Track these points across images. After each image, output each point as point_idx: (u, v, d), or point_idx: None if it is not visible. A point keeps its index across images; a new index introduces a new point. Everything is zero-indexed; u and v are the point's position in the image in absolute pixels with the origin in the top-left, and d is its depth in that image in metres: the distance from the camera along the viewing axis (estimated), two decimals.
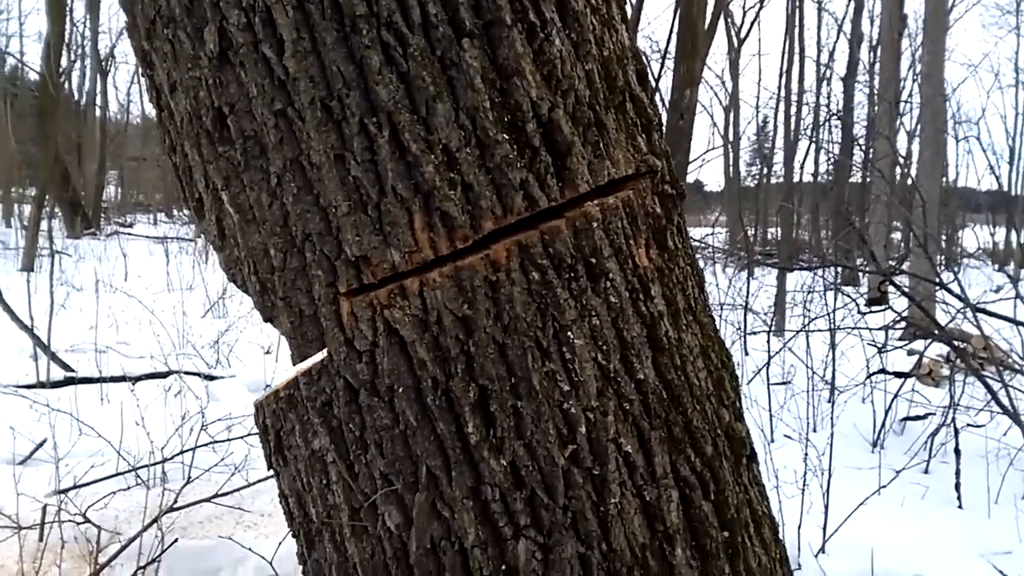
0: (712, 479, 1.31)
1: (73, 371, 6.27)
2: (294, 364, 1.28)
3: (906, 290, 5.42)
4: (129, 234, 18.35)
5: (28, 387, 5.67)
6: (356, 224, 1.17)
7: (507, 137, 1.17)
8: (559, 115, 1.20)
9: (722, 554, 1.29)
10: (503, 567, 1.21)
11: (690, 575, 1.26)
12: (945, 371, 6.08)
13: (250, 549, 2.73)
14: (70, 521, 3.32)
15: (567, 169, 1.21)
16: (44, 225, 13.79)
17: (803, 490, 3.65)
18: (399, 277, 1.19)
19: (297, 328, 1.25)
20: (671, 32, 8.71)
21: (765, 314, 8.20)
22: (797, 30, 18.34)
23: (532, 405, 1.20)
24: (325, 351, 1.24)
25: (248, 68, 1.17)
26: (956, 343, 4.73)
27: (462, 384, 1.19)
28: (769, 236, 21.34)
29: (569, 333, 1.20)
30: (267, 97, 1.17)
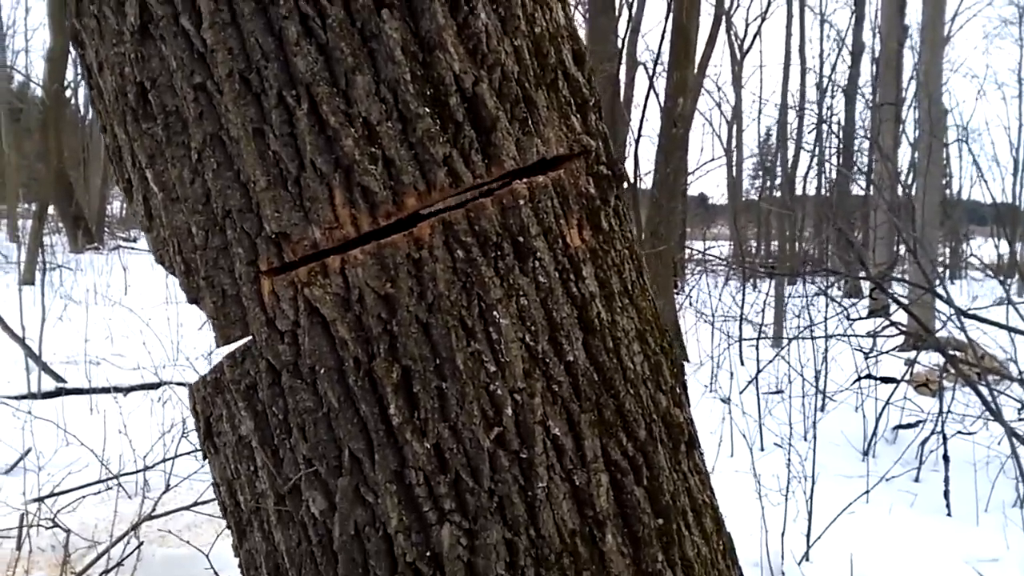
0: (646, 464, 1.28)
1: (64, 382, 6.26)
2: (218, 347, 1.25)
3: (898, 297, 5.38)
4: (131, 248, 18.39)
5: (17, 397, 5.66)
6: (275, 200, 1.15)
7: (429, 111, 1.15)
8: (483, 89, 1.18)
9: (655, 541, 1.26)
10: (428, 553, 1.18)
11: (621, 562, 1.23)
12: (944, 381, 6.01)
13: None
14: (40, 526, 3.29)
15: (492, 145, 1.18)
16: (47, 240, 13.85)
17: (787, 497, 3.60)
18: (320, 255, 1.17)
19: (220, 309, 1.23)
20: (662, 40, 8.73)
21: (764, 325, 8.15)
22: (799, 42, 18.38)
23: (456, 386, 1.17)
24: (248, 333, 1.22)
25: (168, 41, 1.16)
26: (948, 351, 4.68)
27: (385, 364, 1.16)
28: (773, 248, 21.30)
29: (495, 312, 1.18)
30: (187, 70, 1.15)
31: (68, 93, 18.74)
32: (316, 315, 1.17)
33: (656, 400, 1.34)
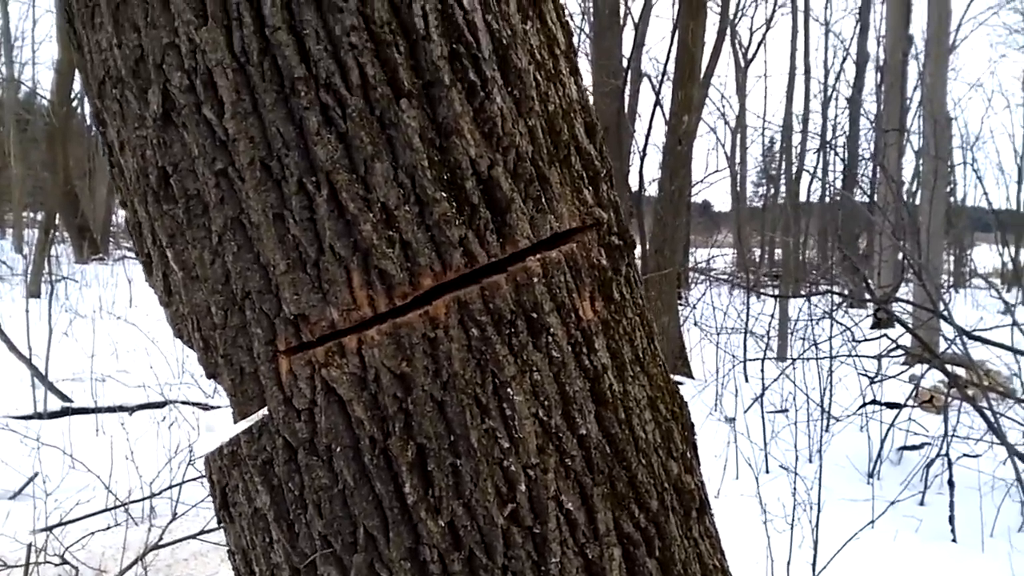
0: (657, 535, 1.30)
1: (70, 401, 6.29)
2: (235, 422, 1.28)
3: (903, 318, 5.39)
4: (137, 259, 18.44)
5: (24, 418, 5.69)
6: (295, 282, 1.17)
7: (446, 195, 1.17)
8: (498, 172, 1.20)
9: None
10: None
11: None
12: (948, 400, 6.02)
13: None
14: (49, 562, 3.31)
15: (507, 225, 1.21)
16: (52, 250, 13.89)
17: (792, 525, 3.62)
18: (337, 335, 1.19)
19: (238, 386, 1.25)
20: (668, 57, 8.76)
21: (768, 339, 8.16)
22: (803, 52, 18.40)
23: (471, 463, 1.19)
24: (265, 409, 1.24)
25: (190, 129, 1.18)
26: (950, 371, 4.69)
27: (400, 443, 1.19)
28: (776, 256, 21.29)
29: (509, 389, 1.20)
30: (208, 157, 1.18)
31: (75, 105, 18.81)
32: (333, 394, 1.19)
33: (668, 468, 1.36)
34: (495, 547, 1.20)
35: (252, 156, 1.15)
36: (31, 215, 21.65)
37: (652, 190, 10.85)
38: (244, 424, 1.26)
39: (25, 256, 15.96)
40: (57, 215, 15.59)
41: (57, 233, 17.15)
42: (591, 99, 1.51)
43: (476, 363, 1.19)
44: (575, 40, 1.54)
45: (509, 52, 1.22)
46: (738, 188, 19.10)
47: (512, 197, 1.21)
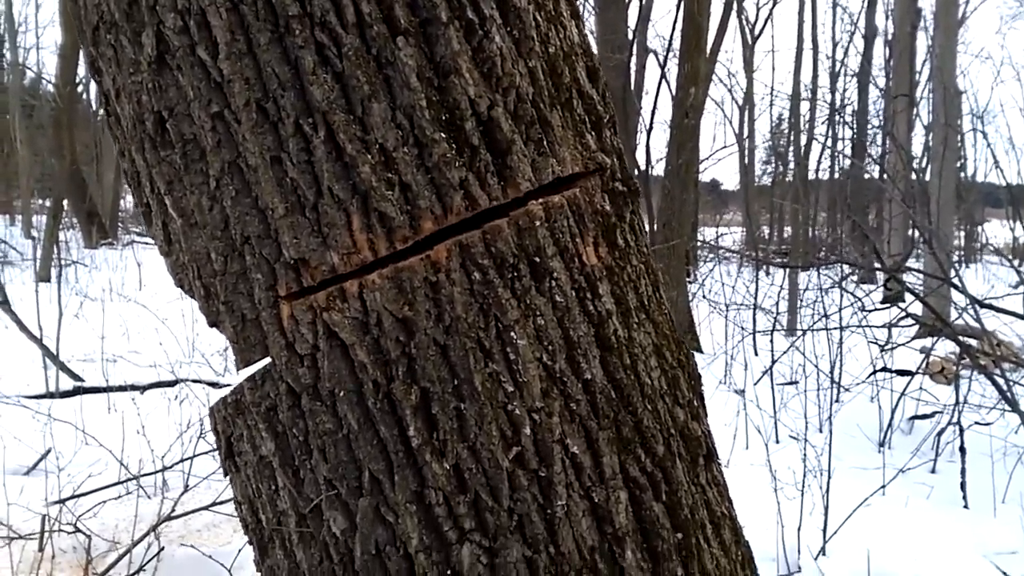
0: (664, 479, 1.29)
1: (81, 380, 6.32)
2: (238, 369, 1.27)
3: (914, 287, 5.35)
4: (146, 243, 18.51)
5: (36, 397, 5.72)
6: (294, 226, 1.16)
7: (445, 136, 1.15)
8: (498, 113, 1.18)
9: (675, 556, 1.27)
10: (449, 572, 1.20)
11: None
12: (960, 371, 5.99)
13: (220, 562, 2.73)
14: (62, 531, 3.34)
15: (508, 167, 1.19)
16: (61, 235, 13.94)
17: (802, 491, 3.61)
18: (338, 279, 1.18)
19: (240, 333, 1.25)
20: (673, 28, 8.68)
21: (777, 313, 8.13)
22: (811, 26, 18.20)
23: (475, 407, 1.18)
24: (268, 356, 1.23)
25: (185, 71, 1.17)
26: (963, 340, 4.66)
27: (403, 387, 1.18)
28: (785, 234, 21.18)
29: (512, 333, 1.19)
30: (204, 100, 1.16)
31: (80, 89, 18.81)
32: (335, 339, 1.18)
33: (674, 415, 1.35)
34: (501, 490, 1.19)
35: (248, 97, 1.14)
36: (40, 201, 21.72)
37: (659, 169, 10.80)
38: (247, 372, 1.25)
39: (35, 241, 16.03)
40: (65, 200, 15.63)
41: (66, 219, 17.21)
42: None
43: (479, 307, 1.18)
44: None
45: None
46: (746, 163, 18.94)
47: (513, 139, 1.19)
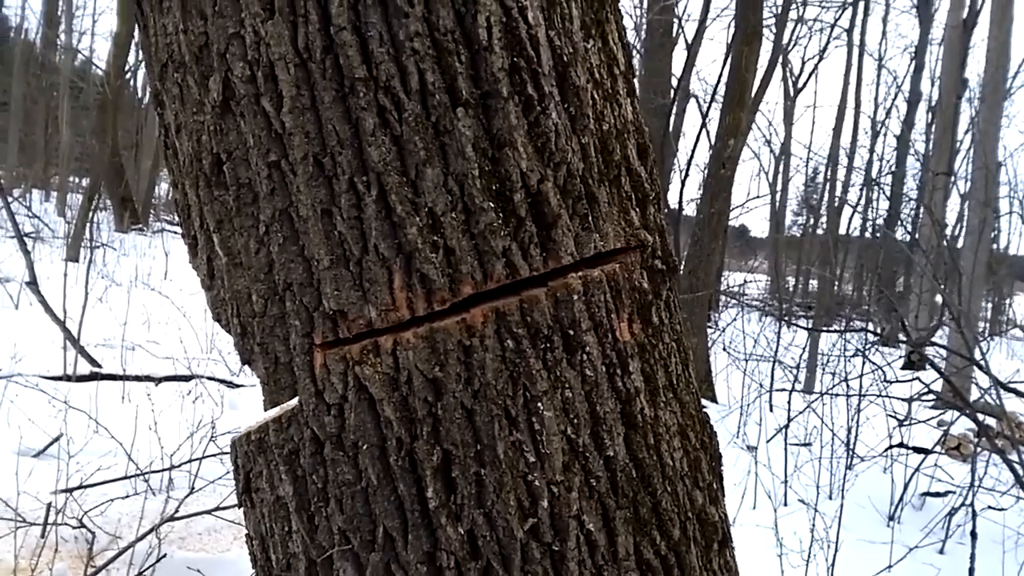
0: (677, 564, 1.28)
1: (99, 366, 6.39)
2: (266, 410, 1.29)
3: (936, 363, 5.30)
4: (175, 232, 18.73)
5: (53, 379, 5.79)
6: (337, 278, 1.18)
7: (493, 205, 1.17)
8: (548, 187, 1.20)
9: None
10: None
11: None
12: (976, 449, 5.90)
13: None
14: (67, 524, 3.37)
15: (552, 240, 1.21)
16: (94, 217, 14.13)
17: (807, 562, 3.57)
18: (374, 334, 1.19)
19: (272, 374, 1.26)
20: (718, 80, 8.72)
21: (797, 371, 8.07)
22: (855, 86, 18.17)
23: (495, 474, 1.19)
24: (296, 400, 1.25)
25: (248, 119, 1.19)
26: (980, 420, 4.60)
27: (426, 447, 1.19)
28: (811, 287, 21.04)
29: (539, 404, 1.20)
30: (263, 148, 1.19)
31: (128, 77, 19.14)
32: (364, 392, 1.20)
33: (693, 497, 1.35)
34: (513, 560, 1.19)
35: (306, 151, 1.16)
36: (76, 180, 22.05)
37: (690, 210, 10.80)
38: (274, 412, 1.27)
39: (67, 220, 16.26)
40: (101, 183, 15.87)
41: (100, 200, 17.46)
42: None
43: (509, 375, 1.19)
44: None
45: (569, 69, 1.21)
46: (778, 215, 18.92)
47: (559, 213, 1.21)
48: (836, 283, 14.67)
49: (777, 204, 18.73)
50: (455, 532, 1.19)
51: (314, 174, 1.16)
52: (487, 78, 1.15)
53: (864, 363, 5.52)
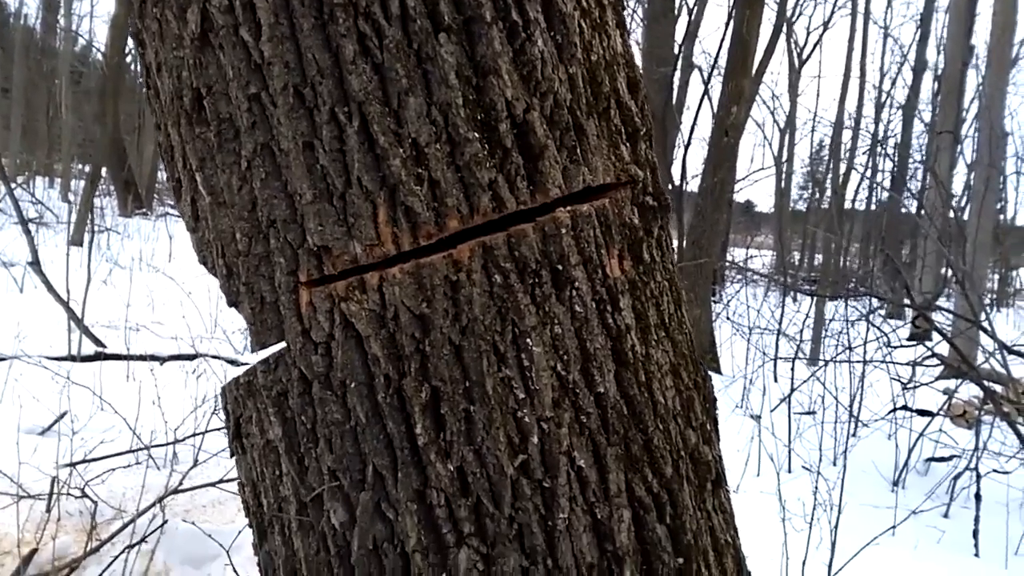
0: (670, 502, 1.27)
1: (103, 346, 6.39)
2: (253, 351, 1.27)
3: (941, 327, 5.27)
4: (178, 216, 18.72)
5: (58, 359, 5.79)
6: (320, 213, 1.16)
7: (478, 136, 1.15)
8: (534, 116, 1.17)
9: None
10: (444, 574, 1.19)
11: None
12: (981, 415, 5.88)
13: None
14: (70, 494, 3.37)
15: (539, 172, 1.18)
16: (97, 202, 14.13)
17: (811, 524, 3.56)
18: (359, 270, 1.17)
19: (258, 315, 1.25)
20: (720, 46, 8.62)
21: (801, 341, 8.04)
22: (860, 55, 18.00)
23: (484, 411, 1.17)
24: (283, 341, 1.23)
25: (227, 50, 1.17)
26: (987, 385, 4.57)
27: (414, 384, 1.17)
28: (816, 262, 20.95)
29: (528, 340, 1.18)
30: (243, 80, 1.16)
31: (128, 60, 19.07)
32: (351, 329, 1.18)
33: (685, 436, 1.33)
34: (503, 496, 1.18)
35: (286, 81, 1.14)
36: (79, 166, 22.03)
37: (693, 185, 10.73)
38: (262, 354, 1.25)
39: (71, 204, 16.26)
40: (104, 168, 15.85)
41: (103, 185, 17.44)
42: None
43: (497, 310, 1.17)
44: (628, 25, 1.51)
45: None
46: (782, 187, 18.77)
47: (546, 144, 1.18)
48: (842, 255, 14.61)
49: (782, 177, 18.59)
50: (445, 469, 1.18)
51: (294, 105, 1.14)
52: (470, 2, 1.13)
53: (868, 329, 5.49)
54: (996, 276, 19.70)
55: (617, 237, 1.27)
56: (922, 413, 5.21)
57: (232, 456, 1.40)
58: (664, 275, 1.37)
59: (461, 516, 1.18)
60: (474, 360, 1.17)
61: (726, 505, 1.43)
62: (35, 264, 6.29)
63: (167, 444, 4.24)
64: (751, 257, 18.85)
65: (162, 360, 6.28)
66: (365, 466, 1.20)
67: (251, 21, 1.14)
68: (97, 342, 6.48)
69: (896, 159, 15.77)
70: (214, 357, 6.68)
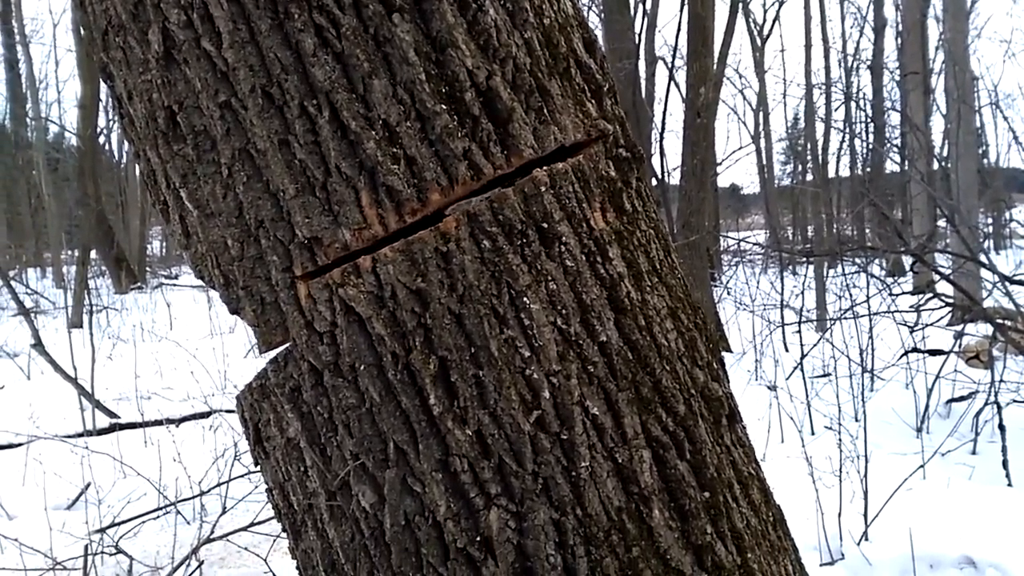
0: (687, 439, 1.29)
1: (117, 417, 6.40)
2: (260, 353, 1.29)
3: (937, 267, 5.29)
4: (173, 284, 18.76)
5: (74, 436, 5.80)
6: (305, 206, 1.19)
7: (446, 108, 1.18)
8: (497, 82, 1.20)
9: (703, 514, 1.27)
10: (478, 538, 1.21)
11: (670, 536, 1.24)
12: (994, 351, 5.88)
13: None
14: (104, 553, 3.37)
15: (510, 136, 1.21)
16: (92, 283, 14.16)
17: (840, 478, 3.56)
18: (352, 256, 1.20)
19: (260, 316, 1.27)
20: (679, 30, 8.69)
21: (805, 310, 8.05)
22: (819, 23, 18.14)
23: (493, 373, 1.19)
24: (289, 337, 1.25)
25: (192, 64, 1.20)
26: (996, 319, 4.59)
27: (422, 357, 1.20)
28: (809, 233, 21.01)
29: (525, 299, 1.20)
30: (211, 90, 1.20)
31: (101, 139, 19.21)
32: (352, 314, 1.21)
33: (693, 375, 1.36)
34: (524, 454, 1.20)
35: (253, 84, 1.17)
36: (69, 252, 22.12)
37: (676, 178, 10.80)
38: (270, 355, 1.27)
39: (66, 290, 16.30)
40: (93, 249, 15.91)
41: (95, 266, 17.49)
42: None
43: (490, 274, 1.20)
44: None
45: None
46: (764, 165, 18.87)
47: (513, 107, 1.21)
48: (834, 223, 14.65)
49: (763, 155, 18.70)
50: (463, 434, 1.20)
51: (264, 106, 1.17)
52: None
53: (869, 283, 5.51)
54: (990, 219, 19.74)
55: (597, 190, 1.30)
56: (934, 353, 5.22)
57: (256, 464, 1.42)
58: (649, 224, 1.40)
59: (486, 478, 1.20)
60: (476, 326, 1.19)
61: (744, 440, 1.45)
62: (38, 345, 6.31)
63: (194, 497, 4.24)
64: (744, 239, 18.90)
65: (178, 422, 6.29)
66: (386, 444, 1.23)
67: (211, 32, 1.17)
68: (110, 414, 6.49)
69: (870, 114, 15.84)
70: (228, 412, 6.68)
